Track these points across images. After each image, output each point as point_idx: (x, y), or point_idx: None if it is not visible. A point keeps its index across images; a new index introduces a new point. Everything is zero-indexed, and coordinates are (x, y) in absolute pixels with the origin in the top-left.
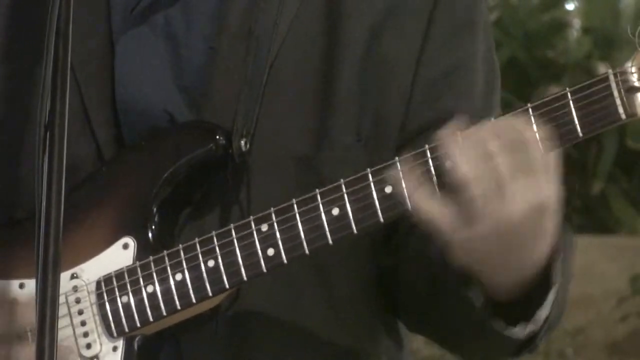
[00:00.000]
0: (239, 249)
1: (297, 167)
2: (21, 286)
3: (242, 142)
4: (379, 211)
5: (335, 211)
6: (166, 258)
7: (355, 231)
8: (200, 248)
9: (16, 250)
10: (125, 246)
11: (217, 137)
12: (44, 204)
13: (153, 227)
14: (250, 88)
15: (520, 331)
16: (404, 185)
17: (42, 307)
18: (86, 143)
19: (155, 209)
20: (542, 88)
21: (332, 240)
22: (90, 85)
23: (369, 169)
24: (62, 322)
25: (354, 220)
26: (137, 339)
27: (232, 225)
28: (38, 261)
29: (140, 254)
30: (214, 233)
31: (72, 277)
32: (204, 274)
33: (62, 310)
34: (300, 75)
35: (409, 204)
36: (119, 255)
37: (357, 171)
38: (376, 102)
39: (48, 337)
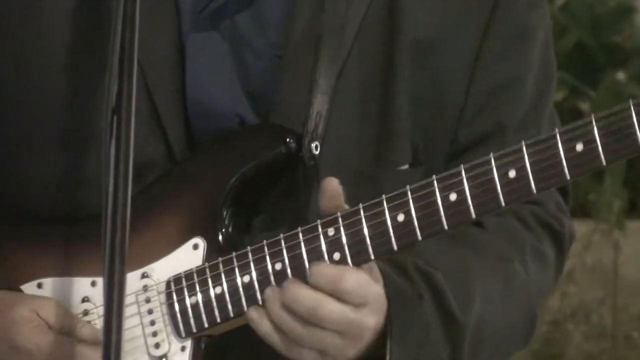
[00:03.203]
0: (306, 253)
1: (355, 179)
2: (93, 284)
3: (313, 145)
4: (444, 218)
5: (401, 217)
6: (234, 259)
7: (420, 237)
8: (268, 250)
9: (87, 248)
10: (195, 247)
11: (288, 139)
12: (111, 187)
13: (223, 228)
14: (320, 94)
15: None
16: (467, 193)
17: (109, 302)
18: (156, 142)
19: (225, 211)
20: (608, 73)
21: (397, 247)
22: (160, 84)
23: (434, 176)
24: (132, 322)
25: (419, 227)
26: (205, 339)
27: (299, 229)
28: (105, 248)
29: (210, 255)
30: (281, 236)
31: (143, 276)
32: (271, 276)
33: (132, 309)
34: (366, 84)
35: (473, 214)
36: (189, 255)
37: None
38: (430, 116)
39: (115, 336)
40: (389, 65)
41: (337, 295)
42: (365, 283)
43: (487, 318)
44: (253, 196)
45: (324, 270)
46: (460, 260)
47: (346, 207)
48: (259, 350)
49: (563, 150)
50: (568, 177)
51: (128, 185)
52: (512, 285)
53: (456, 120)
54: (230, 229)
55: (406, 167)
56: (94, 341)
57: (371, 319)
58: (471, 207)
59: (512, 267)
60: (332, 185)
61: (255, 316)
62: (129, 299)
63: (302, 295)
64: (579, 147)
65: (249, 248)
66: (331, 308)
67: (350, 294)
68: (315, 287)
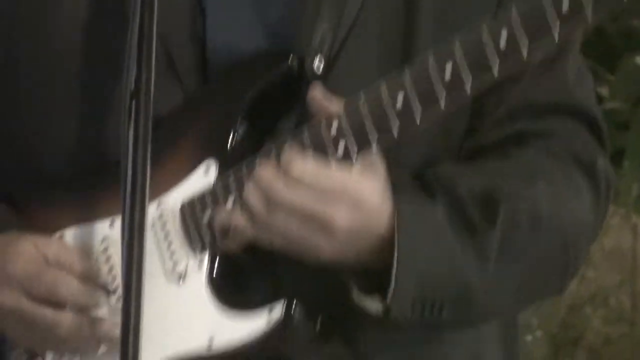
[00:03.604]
0: (312, 148)
1: None
2: (111, 224)
3: (316, 62)
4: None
5: (400, 97)
6: (244, 166)
7: (418, 122)
8: (275, 150)
9: (104, 191)
10: (207, 169)
11: (290, 59)
12: (129, 172)
13: (234, 148)
14: (337, 26)
15: (372, 304)
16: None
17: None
18: (173, 94)
19: (235, 131)
20: (627, 57)
21: (397, 135)
22: (175, 35)
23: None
24: (150, 248)
25: (419, 102)
26: (221, 254)
27: (305, 126)
28: (124, 233)
29: (222, 174)
30: (289, 135)
31: (159, 204)
32: None
33: (150, 235)
34: (384, 33)
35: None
36: (202, 178)
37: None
38: None
39: (135, 275)
40: (409, 19)
41: (288, 180)
42: (324, 174)
43: (516, 232)
44: (263, 118)
45: (283, 155)
46: (483, 180)
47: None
48: (276, 265)
49: None
50: None
51: (147, 169)
52: (539, 206)
53: None
54: (240, 149)
55: None
56: (86, 277)
57: (339, 213)
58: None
59: (539, 188)
60: (317, 90)
61: (226, 209)
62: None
63: (263, 172)
64: None
65: (257, 159)
66: (285, 188)
67: (300, 181)
68: (276, 168)
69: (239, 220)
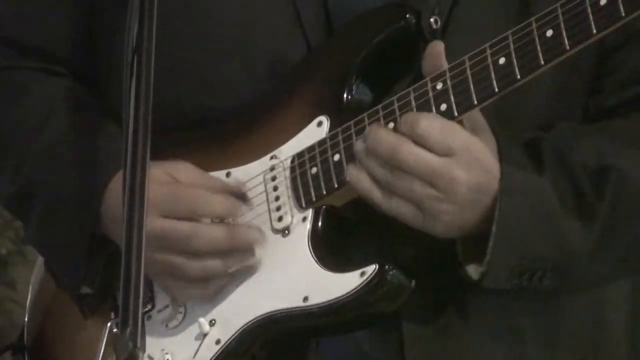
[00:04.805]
0: (416, 108)
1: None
2: (227, 175)
3: (432, 20)
4: (540, 54)
5: (502, 60)
6: (352, 126)
7: (519, 77)
8: (382, 111)
9: (221, 145)
10: (319, 124)
11: (407, 15)
12: (131, 127)
13: (347, 105)
14: None
15: (472, 270)
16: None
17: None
18: (297, 41)
19: (349, 89)
20: None
21: (498, 88)
22: None
23: (532, 19)
24: (258, 200)
25: (518, 66)
26: (324, 210)
27: (410, 88)
28: (125, 183)
29: (333, 130)
30: (395, 97)
31: (272, 158)
32: None
33: (260, 188)
34: None
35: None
36: (314, 132)
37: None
38: None
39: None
40: None
41: (414, 138)
42: (447, 130)
43: (625, 204)
44: (378, 74)
45: (404, 116)
46: (597, 147)
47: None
48: (376, 226)
49: None
50: None
51: (148, 125)
52: None
53: None
54: (353, 105)
55: None
56: (224, 192)
57: (460, 172)
58: (566, 40)
59: None
60: (437, 48)
61: (353, 171)
62: (256, 181)
63: (382, 138)
64: None
65: (365, 114)
66: (408, 149)
67: (425, 138)
68: (395, 131)
69: (366, 184)
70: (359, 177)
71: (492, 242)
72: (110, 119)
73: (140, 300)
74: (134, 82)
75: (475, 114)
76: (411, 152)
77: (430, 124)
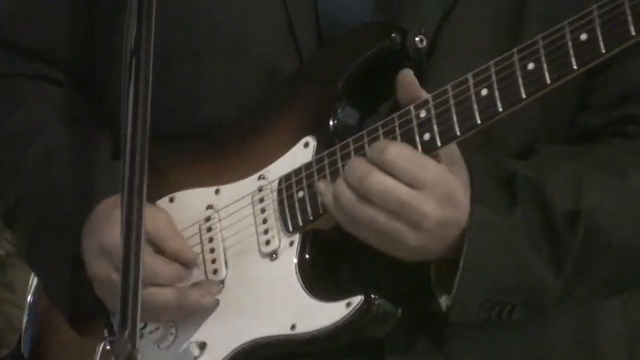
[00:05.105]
0: (400, 137)
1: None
2: (217, 192)
3: (418, 39)
4: (521, 87)
5: (484, 91)
6: (337, 150)
7: (500, 109)
8: (367, 138)
9: (212, 159)
10: (306, 145)
11: (393, 34)
12: (129, 131)
13: (332, 126)
14: (443, 2)
15: (443, 301)
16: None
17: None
18: (288, 50)
19: (334, 109)
20: None
21: (481, 120)
22: (297, 2)
23: (515, 50)
24: (246, 222)
25: (499, 98)
26: (311, 235)
27: (395, 115)
28: (124, 186)
29: (320, 152)
30: (379, 124)
31: (259, 178)
32: None
33: (247, 210)
34: (492, 16)
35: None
36: (301, 154)
37: (529, 113)
38: None
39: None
40: None
41: (381, 165)
42: (417, 160)
43: (598, 245)
44: (364, 94)
45: (374, 143)
46: (574, 173)
47: (425, 95)
48: (366, 251)
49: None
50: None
51: (146, 128)
52: (633, 196)
53: None
54: (340, 126)
55: None
56: (178, 257)
57: (430, 206)
58: (547, 74)
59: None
60: (408, 78)
61: (322, 187)
62: (244, 201)
63: (355, 164)
64: None
65: (350, 139)
66: (377, 178)
67: (392, 165)
68: (368, 160)
69: (331, 205)
70: (326, 194)
71: (459, 276)
72: (106, 130)
73: (139, 302)
74: (132, 85)
75: (452, 145)
76: (379, 181)
77: (399, 151)
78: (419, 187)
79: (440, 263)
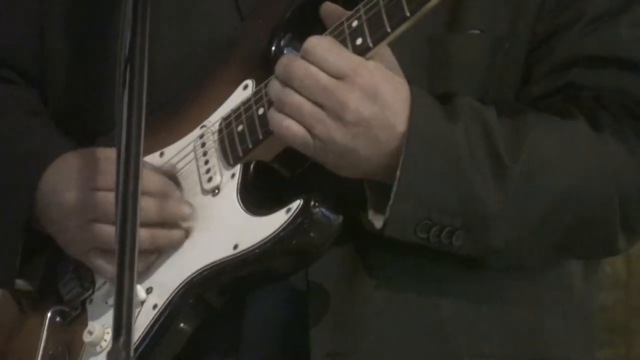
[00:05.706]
0: None
1: (428, 46)
2: (161, 154)
3: None
4: None
5: None
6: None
7: None
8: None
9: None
10: (245, 87)
11: None
12: (124, 138)
13: (273, 59)
14: None
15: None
16: None
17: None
18: (230, 15)
19: (276, 43)
20: None
21: (410, 12)
22: None
23: None
24: (189, 168)
25: None
26: (253, 164)
27: (327, 31)
28: (118, 203)
29: (258, 91)
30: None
31: (201, 127)
32: None
33: (190, 157)
34: None
35: None
36: (240, 95)
37: (482, 58)
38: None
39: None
40: None
41: (304, 55)
42: (337, 50)
43: (543, 169)
44: (303, 29)
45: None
46: (517, 116)
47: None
48: (308, 179)
49: None
50: None
51: (141, 134)
52: (576, 140)
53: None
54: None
55: (477, 31)
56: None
57: (350, 96)
58: None
59: (577, 126)
60: (329, 6)
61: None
62: (187, 151)
63: (282, 58)
64: None
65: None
66: (299, 63)
67: (314, 54)
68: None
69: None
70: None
71: (395, 186)
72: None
73: (133, 310)
74: (126, 93)
75: (387, 53)
76: (301, 66)
77: (319, 40)
78: (339, 75)
79: (376, 187)
